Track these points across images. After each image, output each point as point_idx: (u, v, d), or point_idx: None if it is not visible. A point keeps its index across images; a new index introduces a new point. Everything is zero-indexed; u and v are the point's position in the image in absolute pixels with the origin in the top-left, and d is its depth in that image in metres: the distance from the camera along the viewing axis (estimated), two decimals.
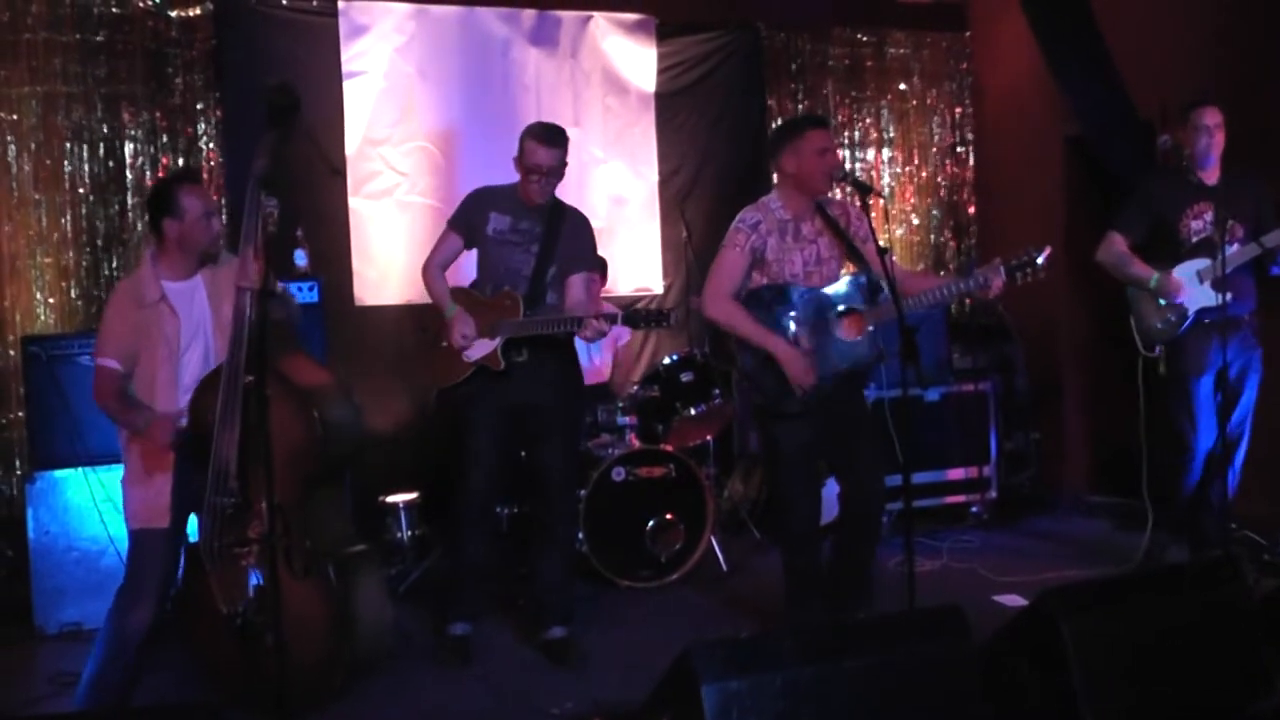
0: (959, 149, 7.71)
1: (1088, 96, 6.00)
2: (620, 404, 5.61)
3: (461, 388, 4.40)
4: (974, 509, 6.34)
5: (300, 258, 5.70)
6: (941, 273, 7.44)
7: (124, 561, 3.76)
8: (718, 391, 5.64)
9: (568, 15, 6.78)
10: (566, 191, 6.67)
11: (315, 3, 6.27)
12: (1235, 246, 4.76)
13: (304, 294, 5.42)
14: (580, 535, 5.17)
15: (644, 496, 5.31)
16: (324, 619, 3.61)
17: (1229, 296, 4.71)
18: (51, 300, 5.71)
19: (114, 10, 5.83)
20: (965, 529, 6.14)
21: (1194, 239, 4.85)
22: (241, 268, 3.51)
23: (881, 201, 7.32)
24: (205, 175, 5.96)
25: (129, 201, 5.88)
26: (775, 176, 4.44)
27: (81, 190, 5.79)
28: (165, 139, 5.97)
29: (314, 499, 3.72)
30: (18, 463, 5.54)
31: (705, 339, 6.31)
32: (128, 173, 5.89)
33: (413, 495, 5.62)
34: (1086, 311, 6.68)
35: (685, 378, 5.66)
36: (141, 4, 5.87)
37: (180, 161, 5.97)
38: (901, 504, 3.97)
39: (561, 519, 4.55)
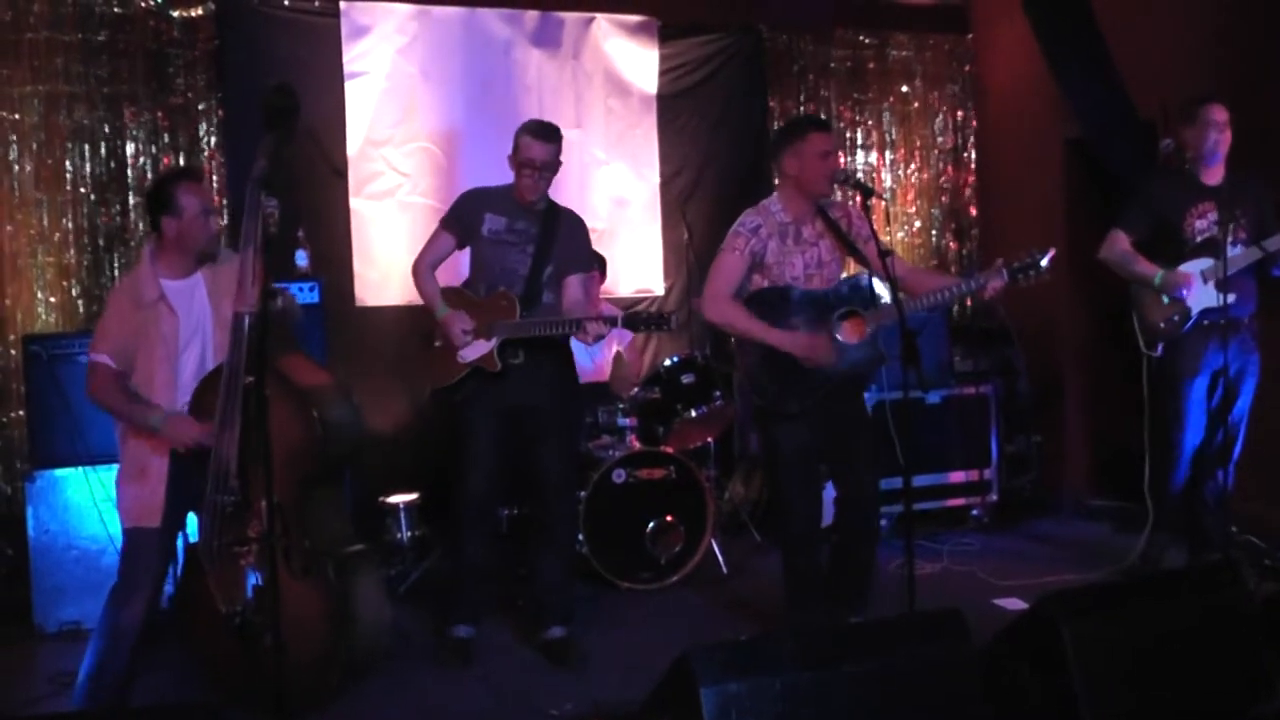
0: (961, 151, 7.71)
1: (1088, 98, 5.99)
2: (621, 405, 5.61)
3: (457, 389, 4.39)
4: (975, 512, 6.33)
5: (301, 258, 5.70)
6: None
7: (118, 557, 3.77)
8: (718, 393, 5.63)
9: (570, 16, 6.78)
10: (568, 192, 6.75)
11: (317, 3, 6.27)
12: (1238, 248, 4.76)
13: (305, 294, 5.42)
14: (581, 537, 5.16)
15: (644, 498, 5.31)
16: (322, 618, 3.61)
17: (1231, 298, 4.71)
18: (53, 299, 5.71)
19: (116, 10, 5.83)
20: (966, 532, 6.14)
21: (1198, 239, 4.85)
22: (239, 292, 3.51)
23: (883, 203, 7.32)
24: (208, 174, 5.96)
25: (130, 201, 5.88)
26: (776, 179, 4.44)
27: (83, 190, 5.79)
28: (167, 139, 5.97)
29: (313, 499, 3.72)
30: (18, 461, 5.53)
31: (706, 341, 6.31)
32: (129, 172, 5.89)
33: (413, 496, 5.61)
34: (1088, 314, 6.67)
35: (686, 379, 5.66)
36: (143, 4, 5.87)
37: (182, 161, 5.96)
38: (902, 507, 3.96)
39: (560, 520, 4.54)
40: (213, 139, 6.04)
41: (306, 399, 3.64)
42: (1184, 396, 4.89)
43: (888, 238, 7.34)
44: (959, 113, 7.69)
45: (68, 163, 5.76)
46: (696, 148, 7.12)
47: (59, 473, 4.97)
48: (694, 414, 5.59)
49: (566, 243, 4.47)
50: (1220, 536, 4.85)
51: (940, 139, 7.67)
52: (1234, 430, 4.95)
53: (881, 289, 4.15)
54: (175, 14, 5.94)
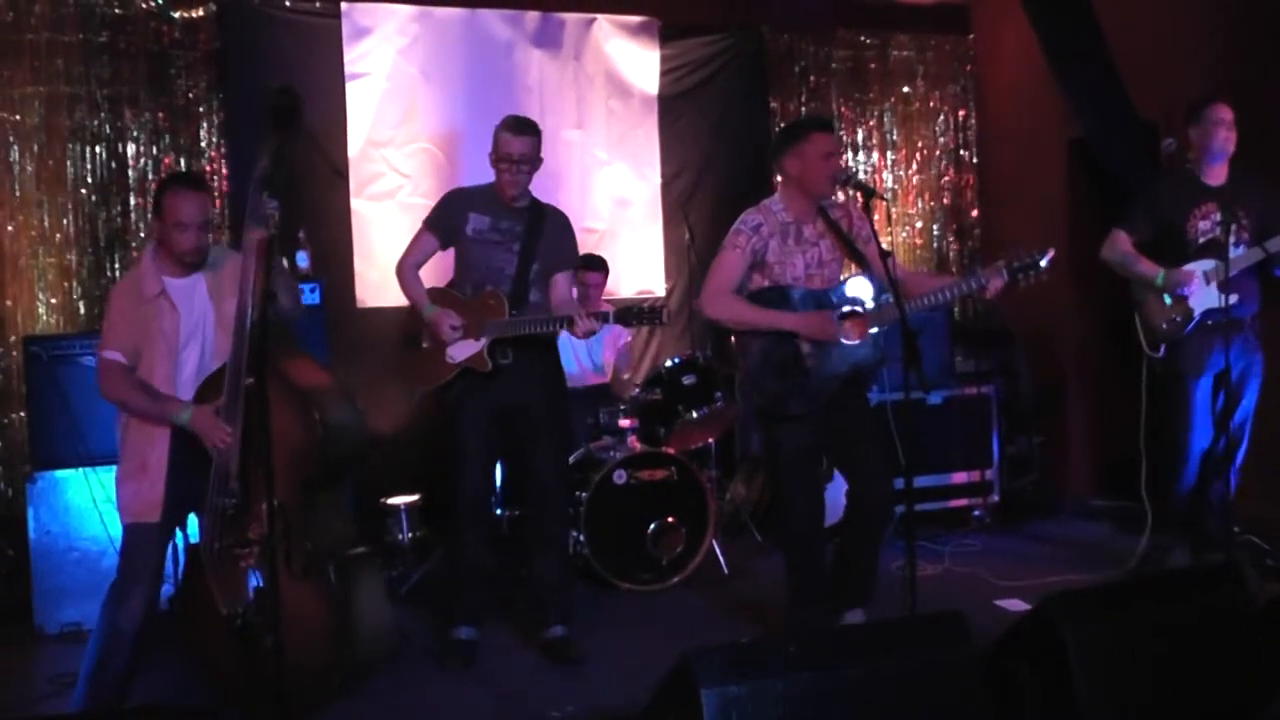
0: (962, 152, 7.70)
1: (1089, 98, 5.98)
2: (622, 406, 5.60)
3: (447, 390, 4.38)
4: (976, 513, 6.32)
5: (302, 259, 5.70)
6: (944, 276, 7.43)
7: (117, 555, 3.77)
8: (719, 394, 5.63)
9: (571, 17, 6.78)
10: (569, 193, 6.76)
11: (318, 4, 6.27)
12: (1241, 249, 4.76)
13: (306, 296, 5.41)
14: (582, 537, 5.17)
15: (645, 499, 5.30)
16: (323, 620, 3.60)
17: (1235, 298, 4.70)
18: (53, 300, 5.71)
19: (117, 11, 5.83)
20: (968, 533, 6.12)
21: (1201, 239, 4.84)
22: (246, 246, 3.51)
23: (884, 204, 7.31)
24: (209, 174, 5.97)
25: (131, 202, 5.88)
26: (778, 179, 4.44)
27: (84, 191, 5.79)
28: (168, 140, 5.97)
29: (315, 500, 3.71)
30: (19, 463, 5.52)
31: (707, 341, 6.30)
32: (130, 173, 5.89)
33: (414, 497, 5.61)
34: (1089, 315, 6.67)
35: (687, 380, 5.66)
36: (144, 5, 5.88)
37: (183, 162, 5.97)
38: (904, 508, 3.95)
39: (555, 519, 4.54)
40: (214, 140, 6.04)
41: (308, 400, 3.64)
42: (1189, 398, 4.88)
43: (889, 238, 7.33)
44: (960, 113, 7.69)
45: (69, 164, 5.76)
46: (698, 148, 7.12)
47: (60, 474, 4.97)
48: (695, 415, 5.58)
49: (552, 241, 4.46)
50: (1223, 537, 4.84)
51: (941, 139, 7.67)
52: (1239, 432, 4.94)
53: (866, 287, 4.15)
54: (176, 15, 5.95)
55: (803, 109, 7.26)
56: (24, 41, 5.65)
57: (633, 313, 4.16)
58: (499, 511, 5.63)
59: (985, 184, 7.69)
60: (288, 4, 6.21)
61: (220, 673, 3.72)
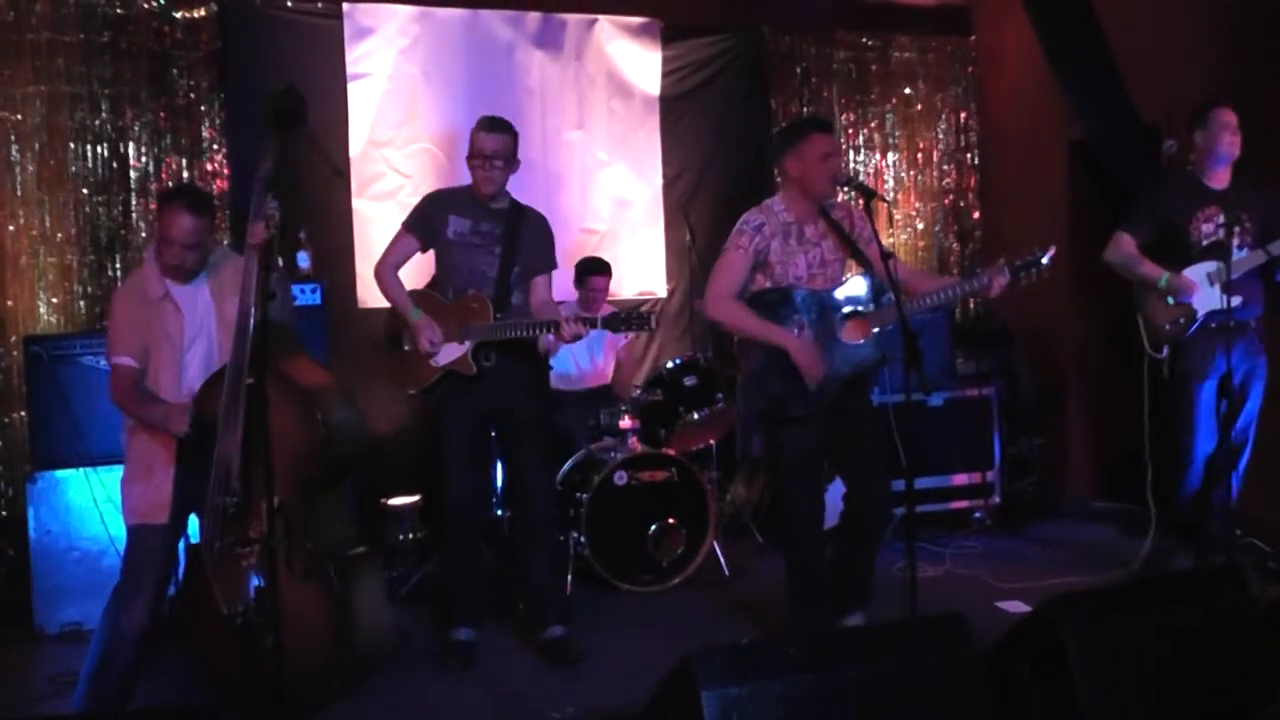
0: (963, 153, 7.70)
1: (1090, 99, 5.99)
2: (623, 407, 5.60)
3: (431, 393, 4.37)
4: (977, 514, 6.32)
5: (303, 260, 5.70)
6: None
7: (121, 558, 3.76)
8: (720, 395, 5.63)
9: (572, 18, 6.78)
10: (570, 194, 6.77)
11: (320, 4, 6.27)
12: (1245, 251, 4.75)
13: (307, 296, 5.43)
14: (582, 538, 5.17)
15: (646, 500, 5.30)
16: (324, 621, 3.60)
17: (1238, 300, 4.70)
18: (54, 300, 5.70)
19: (118, 11, 5.83)
20: (968, 534, 6.12)
21: (1205, 242, 4.83)
22: (251, 232, 3.50)
23: (885, 205, 7.30)
24: (210, 173, 5.97)
25: (132, 202, 5.88)
26: (779, 179, 4.43)
27: (85, 190, 5.79)
28: (169, 140, 5.96)
29: (316, 501, 3.71)
30: (19, 462, 5.52)
31: (708, 343, 6.30)
32: (131, 173, 5.88)
33: (415, 498, 5.61)
34: (1090, 316, 6.66)
35: (688, 382, 5.65)
36: (146, 5, 5.87)
37: (184, 161, 5.97)
38: (904, 509, 3.95)
39: (544, 520, 4.55)
40: (215, 140, 6.04)
41: (309, 400, 3.64)
42: (1194, 401, 4.87)
43: (890, 240, 7.33)
44: (961, 114, 7.69)
45: (70, 163, 5.75)
46: (699, 149, 7.12)
47: (60, 474, 4.97)
48: (696, 416, 5.58)
49: (531, 242, 4.45)
50: (1225, 540, 4.84)
51: (942, 141, 7.66)
52: (1242, 435, 4.93)
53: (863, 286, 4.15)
54: (178, 15, 5.94)
55: (804, 110, 7.25)
56: (25, 41, 5.65)
57: (620, 319, 4.14)
58: (499, 512, 5.63)
59: (986, 185, 7.69)
60: (289, 4, 6.21)
61: (220, 673, 3.72)
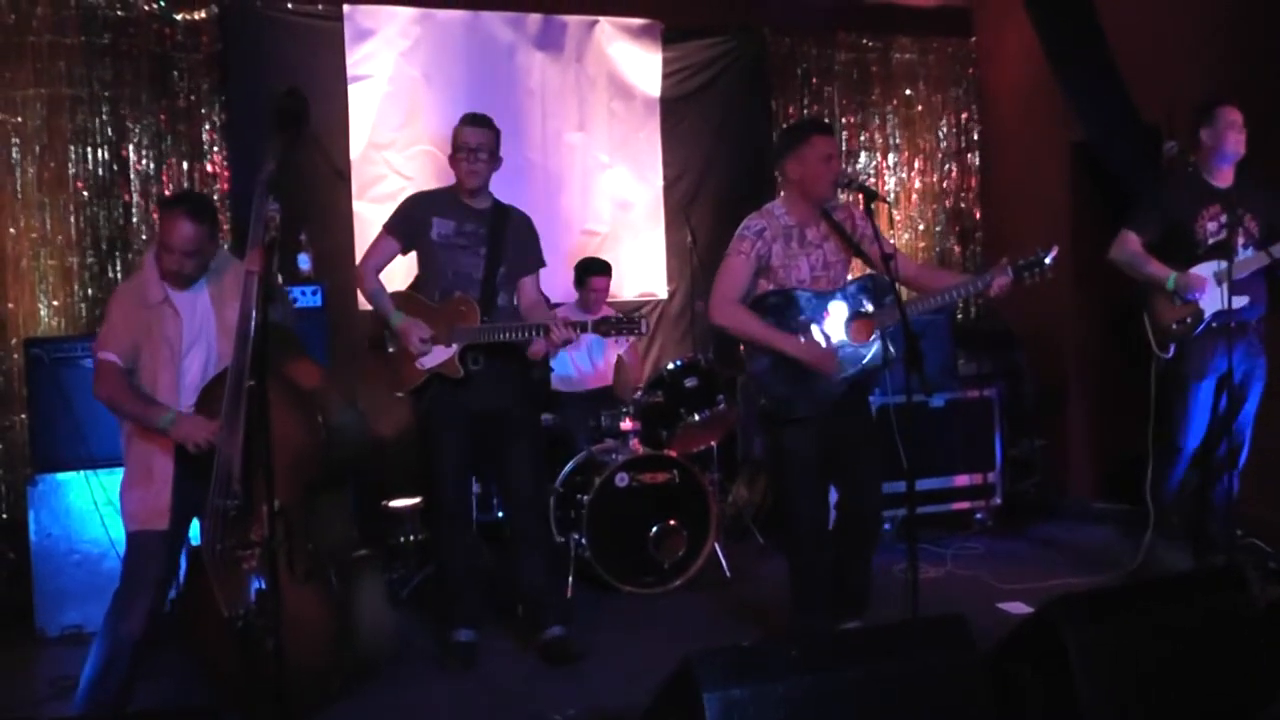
0: (964, 154, 7.70)
1: (1091, 100, 5.98)
2: (624, 409, 5.60)
3: (419, 396, 4.34)
4: (979, 515, 6.31)
5: (304, 262, 5.70)
6: None
7: (121, 561, 3.76)
8: (721, 397, 5.62)
9: (573, 20, 6.78)
10: (571, 196, 6.77)
11: (320, 6, 6.28)
12: (1250, 251, 4.74)
13: (307, 298, 5.43)
14: (583, 540, 5.16)
15: (647, 502, 5.29)
16: (324, 623, 3.61)
17: (1244, 300, 4.70)
18: (55, 303, 5.71)
19: (119, 13, 5.83)
20: (970, 536, 6.11)
21: (1210, 241, 4.82)
22: (249, 255, 3.50)
23: (887, 207, 7.29)
24: (210, 174, 5.98)
25: (133, 205, 5.88)
26: (780, 182, 4.43)
27: (86, 193, 5.79)
28: (169, 142, 5.97)
29: (317, 503, 3.72)
30: (20, 465, 5.52)
31: (709, 344, 6.30)
32: (132, 176, 5.89)
33: (416, 500, 5.60)
34: (1092, 317, 6.66)
35: (689, 383, 5.64)
36: (146, 7, 5.88)
37: (185, 164, 5.97)
38: (906, 510, 3.95)
39: (535, 521, 4.55)
40: (215, 142, 6.04)
41: (310, 403, 3.64)
42: (1190, 399, 4.87)
43: (891, 241, 7.30)
44: (963, 115, 7.69)
45: (70, 166, 5.76)
46: (700, 151, 7.12)
47: (61, 476, 4.97)
48: (697, 418, 5.57)
49: (516, 243, 4.43)
50: (1225, 540, 4.84)
51: (944, 142, 7.67)
52: (1240, 435, 4.93)
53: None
54: (178, 17, 5.95)
55: (805, 112, 7.25)
56: (26, 44, 5.65)
57: (610, 323, 4.14)
58: (500, 515, 5.62)
59: (987, 186, 7.69)
60: (290, 6, 6.22)
61: (221, 674, 3.72)
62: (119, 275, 5.78)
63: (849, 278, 4.28)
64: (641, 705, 2.94)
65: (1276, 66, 5.35)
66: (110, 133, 5.84)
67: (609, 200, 6.92)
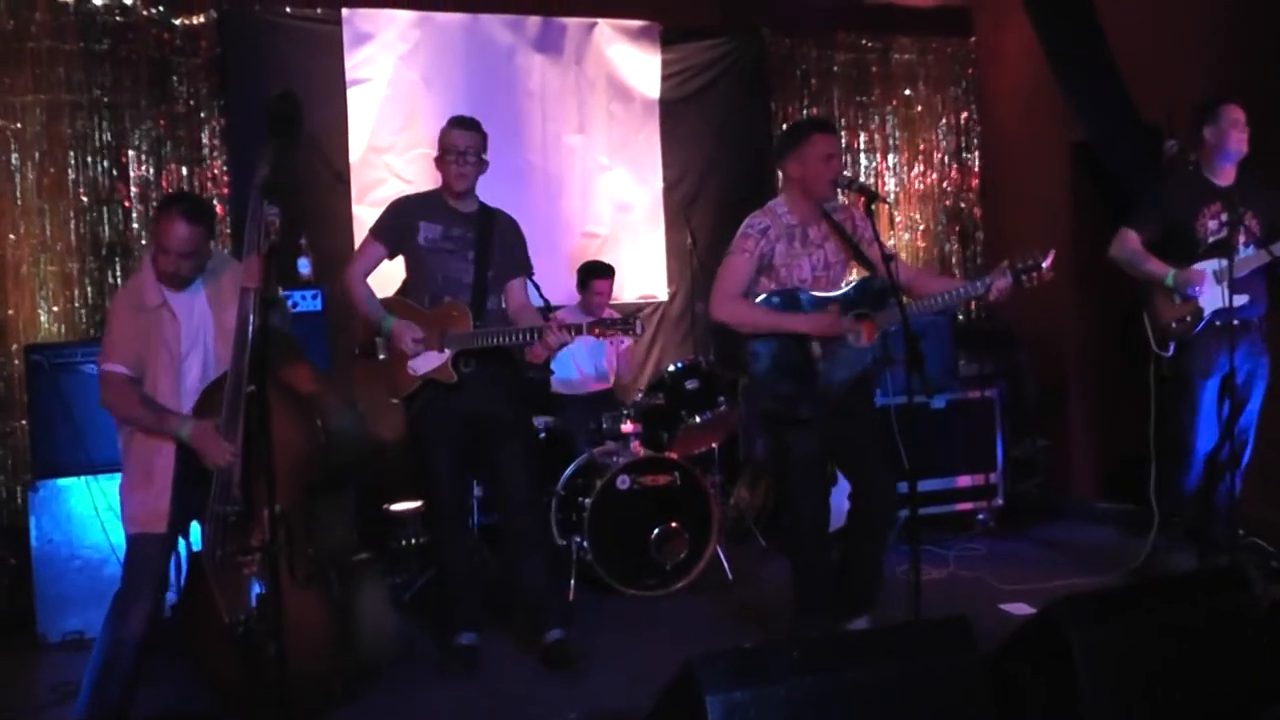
0: (965, 154, 7.69)
1: (1091, 100, 5.98)
2: (625, 411, 5.59)
3: (411, 402, 4.32)
4: (981, 516, 6.30)
5: (304, 266, 5.70)
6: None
7: (121, 566, 3.76)
8: (722, 399, 5.61)
9: (572, 22, 6.78)
10: (571, 198, 6.76)
11: (319, 10, 6.28)
12: (1251, 249, 4.74)
13: (308, 302, 5.43)
14: (585, 543, 5.15)
15: (649, 504, 5.28)
16: (325, 628, 3.60)
17: (1245, 299, 4.69)
18: (55, 309, 5.70)
19: (118, 18, 5.83)
20: (972, 537, 6.11)
21: (1210, 239, 4.81)
22: (246, 269, 3.50)
23: (886, 207, 7.30)
24: (210, 178, 5.98)
25: (133, 210, 5.88)
26: (781, 182, 4.43)
27: (85, 198, 5.79)
28: (169, 147, 5.97)
29: (317, 507, 3.71)
30: (20, 471, 5.51)
31: (710, 346, 6.29)
32: (131, 181, 5.89)
33: (418, 504, 5.59)
34: (1093, 318, 6.66)
35: (690, 385, 5.64)
36: (145, 12, 5.88)
37: (184, 169, 5.97)
38: (908, 512, 3.95)
39: (533, 524, 4.53)
40: (215, 147, 6.04)
41: (310, 407, 3.63)
42: (1196, 399, 4.85)
43: (891, 242, 7.33)
44: (963, 116, 7.69)
45: (70, 171, 5.76)
46: (699, 152, 7.12)
47: (61, 482, 4.97)
48: (698, 420, 5.57)
49: (504, 246, 4.42)
50: (1227, 540, 4.83)
51: (943, 142, 7.66)
52: (1243, 435, 4.91)
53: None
54: (177, 22, 5.95)
55: (805, 113, 7.25)
56: (25, 50, 5.66)
57: (605, 324, 4.13)
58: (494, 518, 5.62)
59: (988, 187, 7.68)
60: (288, 10, 6.22)
61: (221, 680, 3.72)
62: (119, 281, 5.77)
63: (848, 279, 4.28)
64: (643, 708, 2.94)
65: (1276, 66, 5.35)
66: (110, 138, 5.84)
67: (609, 202, 6.92)
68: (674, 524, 5.30)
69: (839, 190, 4.19)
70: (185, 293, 3.74)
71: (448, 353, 4.22)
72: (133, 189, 5.89)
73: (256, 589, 3.54)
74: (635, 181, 6.97)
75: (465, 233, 4.35)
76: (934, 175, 7.64)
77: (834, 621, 4.20)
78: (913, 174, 7.60)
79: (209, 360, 3.76)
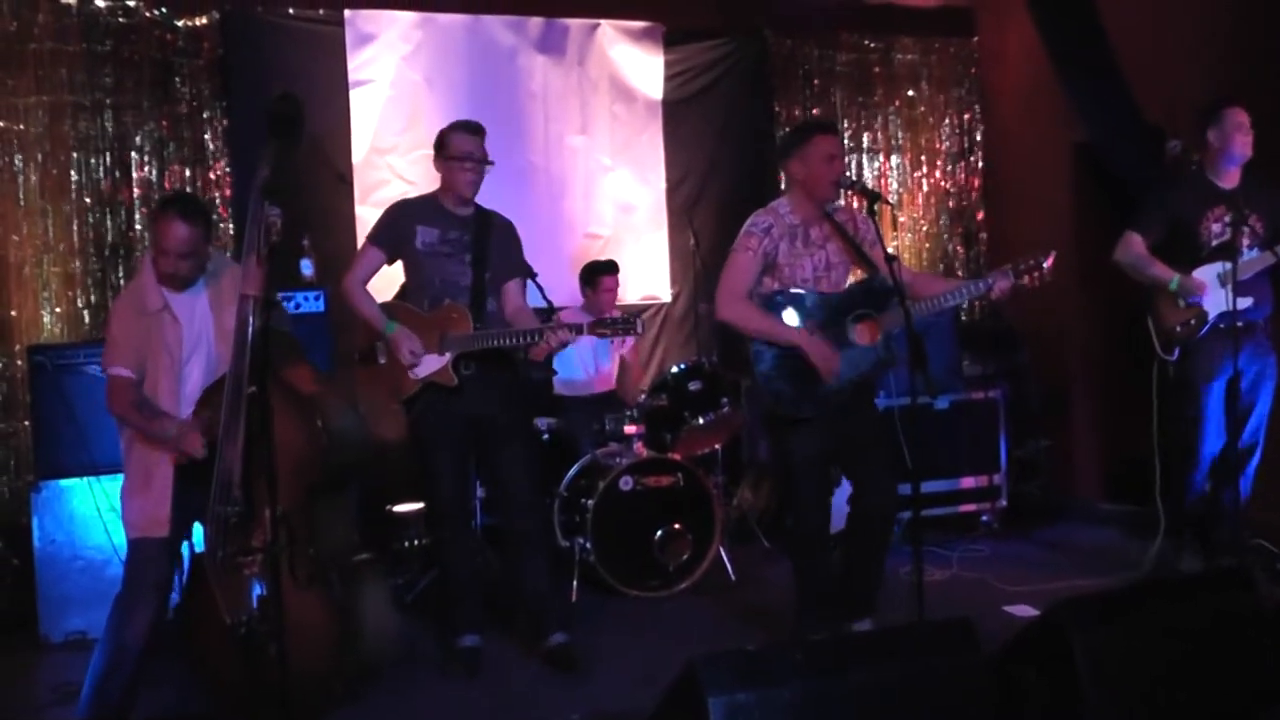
0: (968, 155, 7.68)
1: (1094, 100, 5.97)
2: (628, 413, 5.58)
3: (411, 406, 4.32)
4: (984, 518, 6.29)
5: (306, 267, 5.69)
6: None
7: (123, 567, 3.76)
8: (726, 400, 5.61)
9: (575, 23, 6.78)
10: (574, 199, 6.76)
11: (321, 12, 6.28)
12: (1255, 251, 4.72)
13: (310, 303, 5.42)
14: (588, 544, 5.15)
15: (652, 506, 5.28)
16: (327, 628, 3.60)
17: (1249, 301, 4.68)
18: (58, 309, 5.70)
19: (120, 20, 5.83)
20: (976, 538, 6.10)
21: (1214, 242, 4.80)
22: (246, 276, 3.50)
23: (889, 208, 7.30)
24: (213, 181, 5.98)
25: (135, 211, 5.87)
26: (783, 183, 4.43)
27: (88, 200, 5.79)
28: (172, 148, 5.97)
29: (318, 508, 3.71)
30: (23, 471, 5.51)
31: (713, 347, 6.28)
32: (134, 182, 5.89)
33: (420, 505, 5.59)
34: (1096, 318, 6.64)
35: (693, 386, 5.63)
36: (148, 14, 5.88)
37: (187, 171, 5.97)
38: (911, 513, 3.94)
39: (534, 526, 4.52)
40: (218, 148, 6.04)
41: (310, 408, 3.63)
42: (1203, 402, 4.84)
43: (895, 242, 7.33)
44: (965, 116, 7.67)
45: (73, 172, 5.76)
46: (702, 153, 7.11)
47: (64, 483, 4.97)
48: (701, 421, 5.56)
49: (500, 248, 4.42)
50: (1233, 542, 4.81)
51: (946, 142, 7.65)
52: (1253, 437, 4.89)
53: None
54: (180, 23, 5.95)
55: (807, 114, 7.24)
56: (28, 51, 5.65)
57: (606, 324, 4.13)
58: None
59: (991, 187, 7.67)
60: (291, 11, 6.22)
61: (223, 681, 3.71)
62: (121, 282, 5.77)
63: (849, 280, 4.27)
64: (646, 709, 2.93)
65: (1277, 66, 5.34)
66: (112, 139, 5.84)
67: (611, 203, 6.91)
68: (677, 525, 5.29)
69: (841, 191, 4.20)
70: (186, 295, 3.74)
71: (448, 355, 4.22)
72: (135, 190, 5.89)
73: (258, 590, 3.54)
74: (638, 182, 6.97)
75: (462, 236, 4.35)
76: (937, 176, 7.63)
77: (836, 623, 4.19)
78: (915, 175, 7.59)
79: (211, 362, 3.76)
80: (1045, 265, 3.96)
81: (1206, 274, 4.78)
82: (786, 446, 4.21)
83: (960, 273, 7.56)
